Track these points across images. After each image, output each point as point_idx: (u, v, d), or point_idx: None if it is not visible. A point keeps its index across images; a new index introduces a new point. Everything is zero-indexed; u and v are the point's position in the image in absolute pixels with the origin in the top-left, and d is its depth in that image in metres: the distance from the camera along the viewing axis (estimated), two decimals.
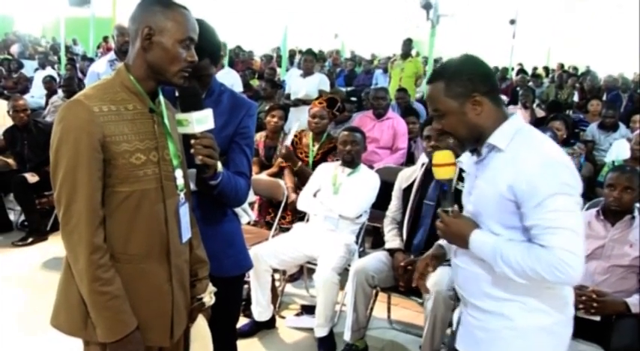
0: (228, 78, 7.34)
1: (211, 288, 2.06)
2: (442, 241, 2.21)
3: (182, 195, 1.91)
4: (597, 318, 3.02)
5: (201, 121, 1.90)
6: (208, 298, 2.04)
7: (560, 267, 1.76)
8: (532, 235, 1.82)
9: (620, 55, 18.91)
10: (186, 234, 1.94)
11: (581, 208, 1.87)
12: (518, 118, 1.96)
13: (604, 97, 10.67)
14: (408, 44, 9.26)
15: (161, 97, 1.91)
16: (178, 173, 1.90)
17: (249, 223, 4.48)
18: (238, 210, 2.46)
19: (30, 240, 5.29)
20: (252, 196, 4.35)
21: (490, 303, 1.95)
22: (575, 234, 1.78)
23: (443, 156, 2.01)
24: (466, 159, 2.13)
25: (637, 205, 3.42)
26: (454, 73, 1.92)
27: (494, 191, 1.87)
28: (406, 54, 9.26)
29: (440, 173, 2.01)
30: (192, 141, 1.90)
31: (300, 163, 4.77)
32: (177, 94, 2.13)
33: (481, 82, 1.91)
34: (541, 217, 1.79)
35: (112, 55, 4.68)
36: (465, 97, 1.90)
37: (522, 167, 1.81)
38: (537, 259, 1.78)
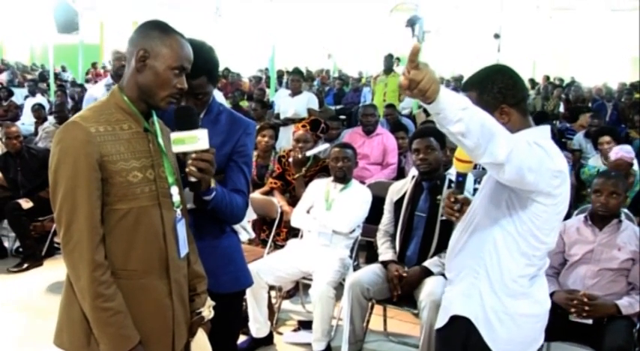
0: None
1: (210, 302, 2.09)
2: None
3: (178, 211, 1.95)
4: (589, 321, 3.08)
5: (202, 139, 1.91)
6: (207, 312, 2.07)
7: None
8: None
9: (604, 65, 19.17)
10: (184, 249, 1.97)
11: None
12: (541, 130, 2.07)
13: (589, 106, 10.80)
14: (389, 60, 9.27)
15: (155, 117, 1.96)
16: (174, 190, 1.94)
17: (249, 241, 4.50)
18: (237, 227, 2.47)
19: (25, 266, 5.30)
20: (252, 214, 4.36)
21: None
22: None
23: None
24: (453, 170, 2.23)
25: (623, 209, 3.50)
26: (486, 84, 2.05)
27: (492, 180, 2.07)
28: (389, 69, 9.26)
29: (459, 166, 2.16)
30: (194, 155, 1.91)
31: (301, 173, 4.81)
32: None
33: (511, 94, 2.04)
34: None
35: (108, 79, 4.80)
36: (494, 108, 2.02)
37: None
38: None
